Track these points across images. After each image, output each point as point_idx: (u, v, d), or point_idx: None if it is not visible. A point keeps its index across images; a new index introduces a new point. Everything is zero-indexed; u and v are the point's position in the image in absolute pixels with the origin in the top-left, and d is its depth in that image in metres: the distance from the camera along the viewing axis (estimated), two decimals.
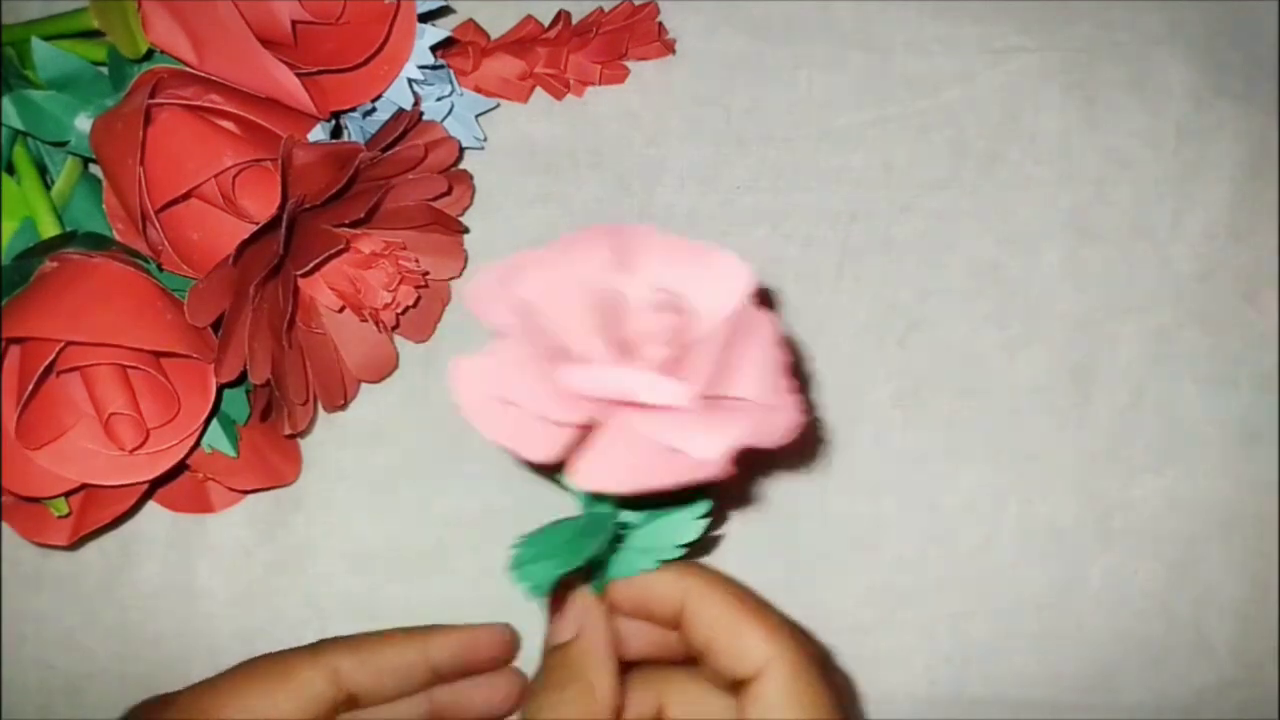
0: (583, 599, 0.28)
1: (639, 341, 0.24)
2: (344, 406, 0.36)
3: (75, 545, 0.34)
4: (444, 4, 0.33)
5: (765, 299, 0.25)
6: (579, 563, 0.26)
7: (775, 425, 0.24)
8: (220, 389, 0.32)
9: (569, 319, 0.24)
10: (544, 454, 0.23)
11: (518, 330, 0.23)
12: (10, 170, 0.33)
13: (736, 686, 0.27)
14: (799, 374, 0.25)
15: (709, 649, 0.27)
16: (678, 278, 0.24)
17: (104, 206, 0.33)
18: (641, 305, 0.24)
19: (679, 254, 0.24)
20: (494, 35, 0.37)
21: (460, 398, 0.23)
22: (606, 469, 0.23)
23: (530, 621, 0.33)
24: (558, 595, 0.28)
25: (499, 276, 0.24)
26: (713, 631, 0.27)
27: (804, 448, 0.37)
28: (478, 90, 0.37)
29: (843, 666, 0.37)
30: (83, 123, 0.32)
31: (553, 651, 0.28)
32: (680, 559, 0.28)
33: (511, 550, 0.26)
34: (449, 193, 0.35)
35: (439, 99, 0.35)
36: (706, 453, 0.22)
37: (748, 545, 0.37)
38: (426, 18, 0.33)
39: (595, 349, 0.24)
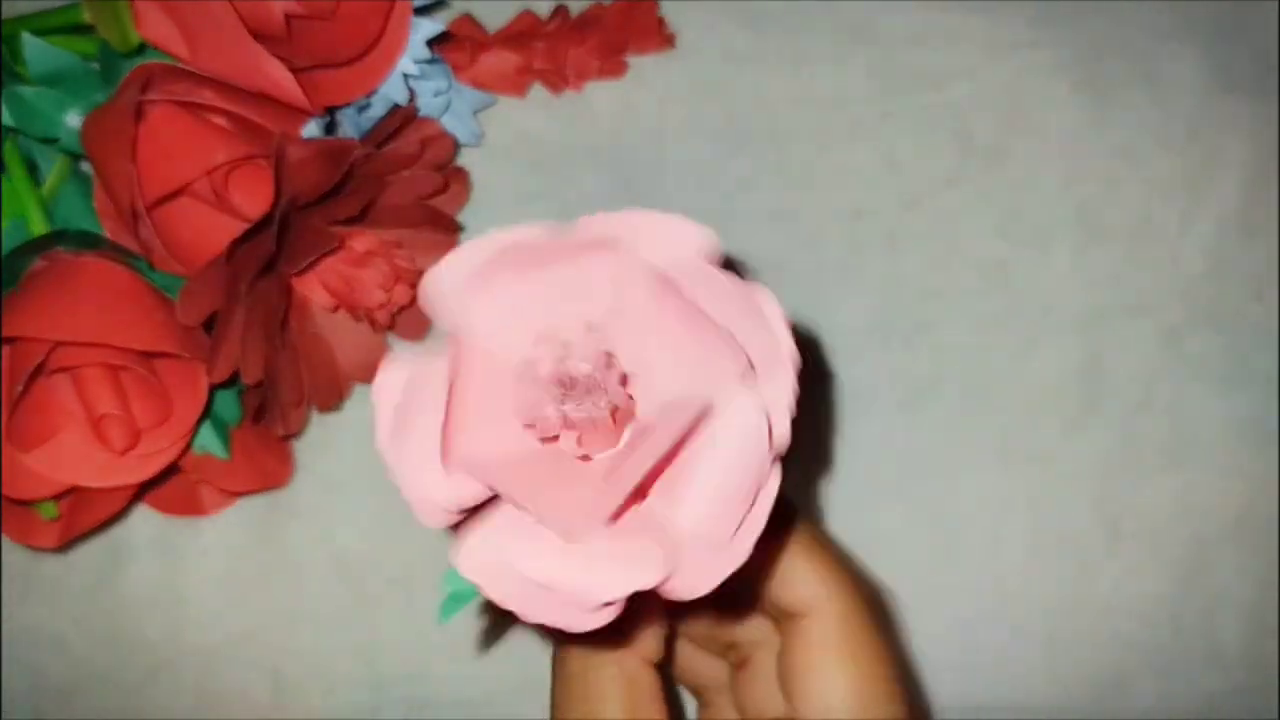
0: None
1: (564, 420, 0.20)
2: (338, 407, 0.36)
3: (65, 548, 0.34)
4: None
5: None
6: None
7: (698, 576, 0.20)
8: (212, 390, 0.32)
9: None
10: (435, 522, 0.21)
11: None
12: (0, 167, 0.33)
13: (782, 618, 0.26)
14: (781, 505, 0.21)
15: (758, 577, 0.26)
16: (662, 344, 0.20)
17: (94, 204, 0.32)
18: (582, 376, 0.20)
19: (680, 319, 0.20)
20: (491, 29, 0.37)
21: (376, 410, 0.21)
22: (482, 572, 0.20)
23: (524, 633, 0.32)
24: None
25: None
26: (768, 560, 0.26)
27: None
28: (475, 85, 0.37)
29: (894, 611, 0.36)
30: (73, 119, 0.32)
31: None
32: None
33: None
34: (445, 190, 0.35)
35: (435, 94, 0.35)
36: (584, 599, 0.20)
37: None
38: (422, 12, 0.33)
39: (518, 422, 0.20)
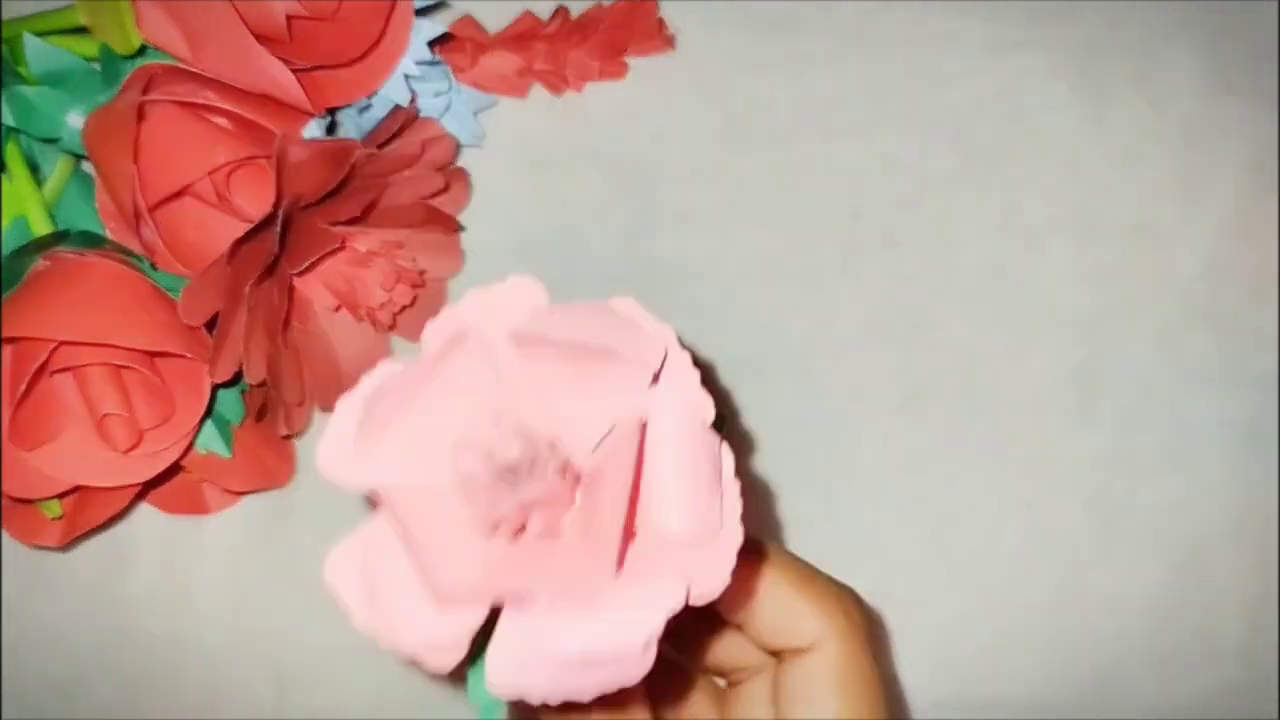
0: None
1: (524, 506, 0.20)
2: None
3: (68, 547, 0.34)
4: None
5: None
6: None
7: (713, 568, 0.20)
8: (215, 389, 0.32)
9: (434, 495, 0.20)
10: (450, 660, 0.20)
11: (385, 503, 0.20)
12: (1, 168, 0.33)
13: (784, 653, 0.26)
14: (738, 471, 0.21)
15: (752, 617, 0.26)
16: (564, 393, 0.20)
17: (96, 204, 0.32)
18: (518, 459, 0.20)
19: (562, 363, 0.20)
20: (492, 31, 0.37)
21: (340, 599, 0.20)
22: (519, 675, 0.20)
23: None
24: None
25: (357, 433, 0.20)
26: (763, 601, 0.25)
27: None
28: (475, 86, 0.37)
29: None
30: (75, 119, 0.32)
31: None
32: None
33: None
34: (446, 190, 0.35)
35: (436, 95, 0.35)
36: (627, 648, 0.19)
37: None
38: (423, 13, 0.33)
39: (468, 528, 0.20)
